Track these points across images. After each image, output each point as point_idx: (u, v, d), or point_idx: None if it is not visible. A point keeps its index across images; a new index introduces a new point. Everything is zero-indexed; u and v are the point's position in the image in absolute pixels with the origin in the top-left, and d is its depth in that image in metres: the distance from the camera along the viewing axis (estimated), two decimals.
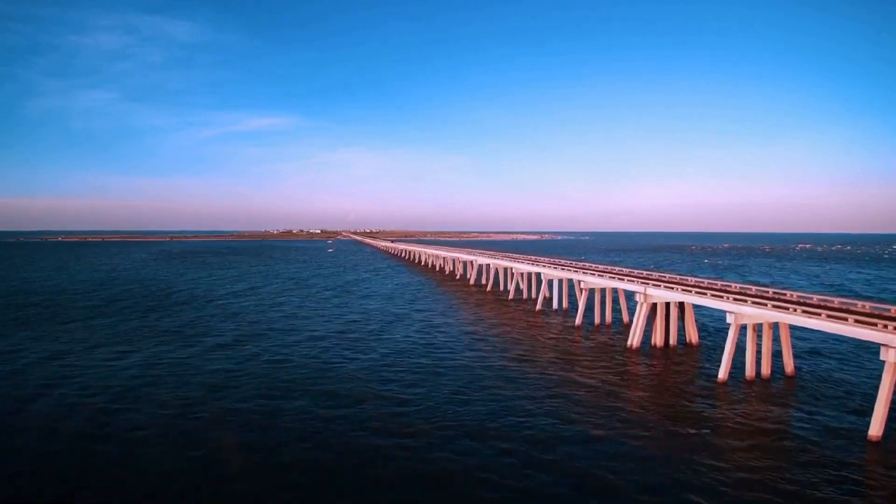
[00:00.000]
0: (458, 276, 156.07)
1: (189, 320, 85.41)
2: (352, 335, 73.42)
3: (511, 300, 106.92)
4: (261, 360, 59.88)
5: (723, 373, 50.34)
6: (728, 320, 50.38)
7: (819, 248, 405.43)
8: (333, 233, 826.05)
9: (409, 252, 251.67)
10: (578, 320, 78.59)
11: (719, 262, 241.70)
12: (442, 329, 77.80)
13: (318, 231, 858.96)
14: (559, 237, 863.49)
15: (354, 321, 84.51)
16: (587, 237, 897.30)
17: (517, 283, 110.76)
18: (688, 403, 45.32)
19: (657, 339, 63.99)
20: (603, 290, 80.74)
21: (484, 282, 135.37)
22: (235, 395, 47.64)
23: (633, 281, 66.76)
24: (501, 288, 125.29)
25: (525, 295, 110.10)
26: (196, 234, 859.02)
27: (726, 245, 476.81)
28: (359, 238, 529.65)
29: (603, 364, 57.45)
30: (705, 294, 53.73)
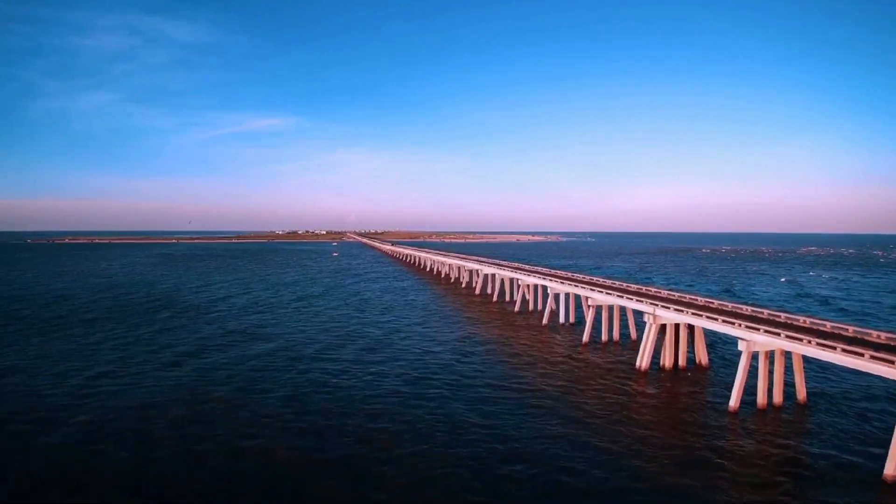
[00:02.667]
0: (463, 285, 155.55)
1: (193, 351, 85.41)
2: (364, 360, 73.11)
3: (517, 312, 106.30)
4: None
5: (734, 401, 49.58)
6: (740, 347, 49.65)
7: (821, 252, 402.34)
8: (339, 234, 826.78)
9: (415, 258, 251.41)
10: (585, 337, 77.92)
11: (721, 268, 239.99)
12: (449, 346, 77.32)
13: (324, 232, 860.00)
14: (563, 239, 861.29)
15: (365, 346, 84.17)
16: (591, 238, 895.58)
17: (523, 295, 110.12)
18: (699, 431, 44.67)
19: (666, 360, 63.30)
20: (611, 307, 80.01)
21: (490, 291, 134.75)
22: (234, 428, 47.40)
23: (642, 301, 66.05)
24: (507, 298, 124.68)
25: (531, 307, 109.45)
26: (202, 235, 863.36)
27: (725, 248, 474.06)
28: (366, 241, 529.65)
29: (611, 386, 56.81)
30: (716, 319, 53.00)
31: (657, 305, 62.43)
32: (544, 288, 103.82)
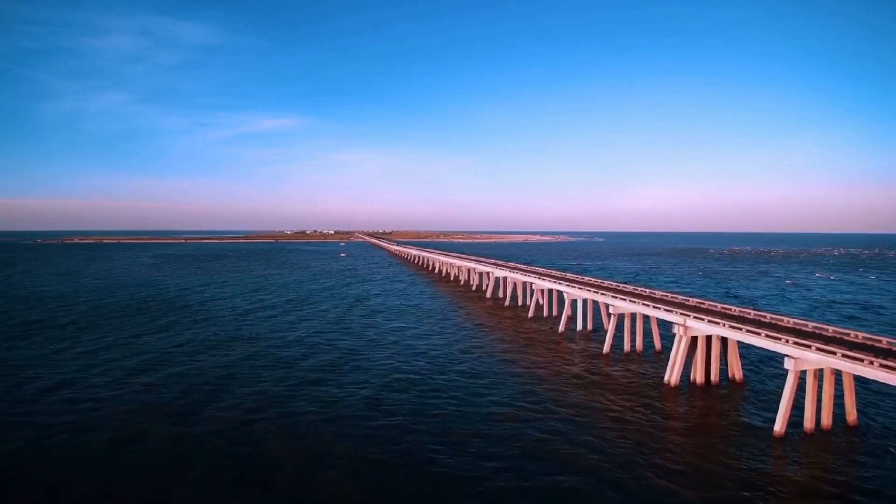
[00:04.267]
0: (473, 288, 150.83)
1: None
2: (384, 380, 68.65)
3: (531, 318, 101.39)
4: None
5: (780, 425, 44.46)
6: (787, 366, 44.55)
7: (835, 252, 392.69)
8: (347, 233, 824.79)
9: (423, 259, 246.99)
10: (606, 348, 72.94)
11: (735, 269, 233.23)
12: (461, 359, 72.68)
13: (332, 231, 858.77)
14: (571, 239, 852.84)
15: (359, 357, 79.75)
16: (599, 238, 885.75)
17: (537, 300, 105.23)
18: (743, 461, 39.71)
19: (697, 375, 58.27)
20: (634, 315, 74.99)
21: (501, 295, 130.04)
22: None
23: (671, 310, 60.92)
24: (520, 303, 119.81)
25: (546, 313, 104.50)
26: (211, 235, 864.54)
27: (737, 248, 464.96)
28: (374, 241, 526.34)
29: (637, 404, 51.92)
30: (759, 333, 47.90)
31: (688, 315, 57.37)
32: (560, 293, 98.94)
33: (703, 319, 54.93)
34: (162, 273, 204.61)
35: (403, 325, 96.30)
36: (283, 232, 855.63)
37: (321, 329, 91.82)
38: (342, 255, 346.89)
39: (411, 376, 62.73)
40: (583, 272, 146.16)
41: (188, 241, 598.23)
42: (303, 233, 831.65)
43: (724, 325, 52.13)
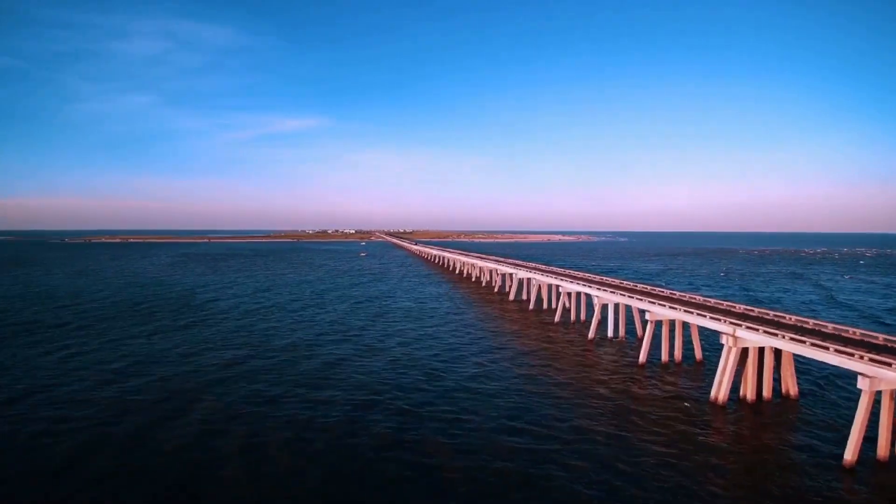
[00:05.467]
0: (495, 289, 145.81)
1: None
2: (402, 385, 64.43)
3: (557, 323, 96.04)
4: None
5: (851, 453, 38.80)
6: (860, 385, 38.79)
7: (868, 253, 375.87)
8: (367, 233, 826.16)
9: (444, 259, 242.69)
10: (643, 357, 67.38)
11: (769, 271, 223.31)
12: (473, 364, 68.01)
13: (353, 231, 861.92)
14: (594, 239, 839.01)
15: (382, 360, 75.58)
16: (623, 238, 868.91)
17: (564, 304, 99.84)
18: (804, 487, 34.27)
19: (748, 391, 52.55)
20: (672, 322, 69.31)
21: (525, 297, 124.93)
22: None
23: (718, 319, 55.21)
24: (545, 306, 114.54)
25: (573, 317, 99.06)
26: (234, 234, 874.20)
27: (765, 249, 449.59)
28: (394, 241, 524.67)
29: (682, 424, 46.54)
30: (826, 348, 42.11)
31: (740, 325, 51.69)
32: (589, 297, 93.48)
33: (757, 330, 49.19)
34: (177, 272, 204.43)
35: (419, 328, 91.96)
36: (304, 232, 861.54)
37: (324, 331, 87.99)
38: (362, 254, 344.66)
39: (422, 390, 58.30)
40: (606, 273, 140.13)
41: (211, 240, 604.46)
42: (324, 232, 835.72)
43: (783, 336, 46.37)
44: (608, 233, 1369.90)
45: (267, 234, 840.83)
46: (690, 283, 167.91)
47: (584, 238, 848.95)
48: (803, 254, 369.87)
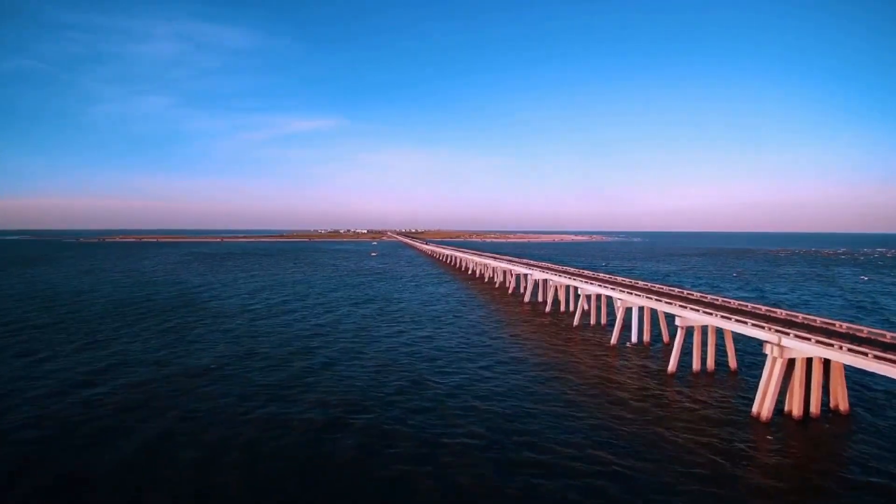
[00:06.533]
0: (510, 291, 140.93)
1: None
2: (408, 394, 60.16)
3: (576, 327, 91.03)
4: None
5: None
6: None
7: (889, 254, 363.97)
8: (379, 233, 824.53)
9: (456, 259, 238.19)
10: (672, 366, 62.35)
11: (795, 272, 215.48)
12: (487, 373, 63.48)
13: (365, 231, 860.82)
14: (608, 239, 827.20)
15: (395, 378, 71.31)
16: (637, 239, 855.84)
17: (583, 307, 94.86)
18: None
19: (794, 406, 47.41)
20: (704, 328, 64.13)
21: (540, 299, 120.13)
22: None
23: (761, 326, 50.04)
24: (562, 309, 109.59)
25: (593, 321, 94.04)
26: (247, 234, 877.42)
27: (787, 249, 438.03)
28: (406, 240, 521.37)
29: (724, 447, 41.59)
30: (893, 361, 37.02)
31: (786, 333, 46.57)
32: (610, 299, 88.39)
33: (808, 339, 44.03)
34: (183, 271, 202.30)
35: (430, 330, 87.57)
36: (317, 231, 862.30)
37: (321, 332, 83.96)
38: (373, 254, 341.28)
39: (437, 396, 53.91)
40: (621, 274, 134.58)
41: (224, 240, 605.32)
42: (336, 232, 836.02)
43: (841, 347, 41.23)
44: (622, 233, 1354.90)
45: (280, 233, 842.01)
46: (714, 286, 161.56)
47: (597, 238, 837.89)
48: (823, 254, 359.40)
